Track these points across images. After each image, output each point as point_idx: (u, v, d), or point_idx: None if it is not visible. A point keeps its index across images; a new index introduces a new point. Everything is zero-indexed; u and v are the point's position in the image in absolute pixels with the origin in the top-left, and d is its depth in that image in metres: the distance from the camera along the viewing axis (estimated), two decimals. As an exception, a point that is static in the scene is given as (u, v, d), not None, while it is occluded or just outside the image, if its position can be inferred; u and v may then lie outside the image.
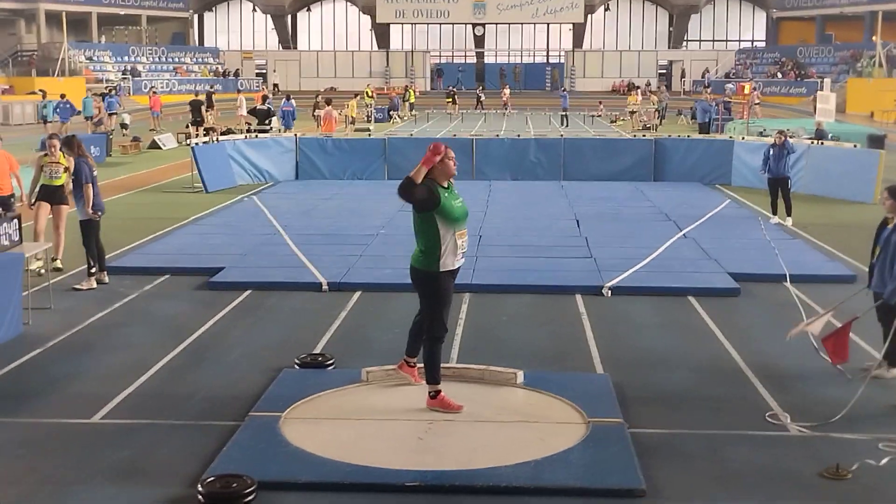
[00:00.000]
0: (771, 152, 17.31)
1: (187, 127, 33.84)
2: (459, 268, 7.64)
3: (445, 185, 7.48)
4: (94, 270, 12.18)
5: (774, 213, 17.42)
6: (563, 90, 47.04)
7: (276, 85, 65.08)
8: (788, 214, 17.15)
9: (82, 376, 8.79)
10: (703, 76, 64.35)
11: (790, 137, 17.93)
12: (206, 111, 35.07)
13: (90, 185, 12.17)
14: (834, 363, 8.46)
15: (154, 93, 41.46)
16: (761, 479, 6.61)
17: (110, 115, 35.57)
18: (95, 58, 58.14)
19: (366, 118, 44.42)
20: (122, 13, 62.60)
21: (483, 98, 51.54)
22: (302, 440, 7.05)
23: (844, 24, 63.15)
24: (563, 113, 43.00)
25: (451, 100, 50.62)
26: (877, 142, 26.47)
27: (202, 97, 36.12)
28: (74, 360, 9.28)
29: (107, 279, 12.34)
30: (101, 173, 23.72)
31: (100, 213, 12.30)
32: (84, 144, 13.32)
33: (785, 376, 8.81)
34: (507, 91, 53.29)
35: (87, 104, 35.05)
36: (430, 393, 7.67)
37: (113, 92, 41.91)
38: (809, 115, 39.28)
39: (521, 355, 9.36)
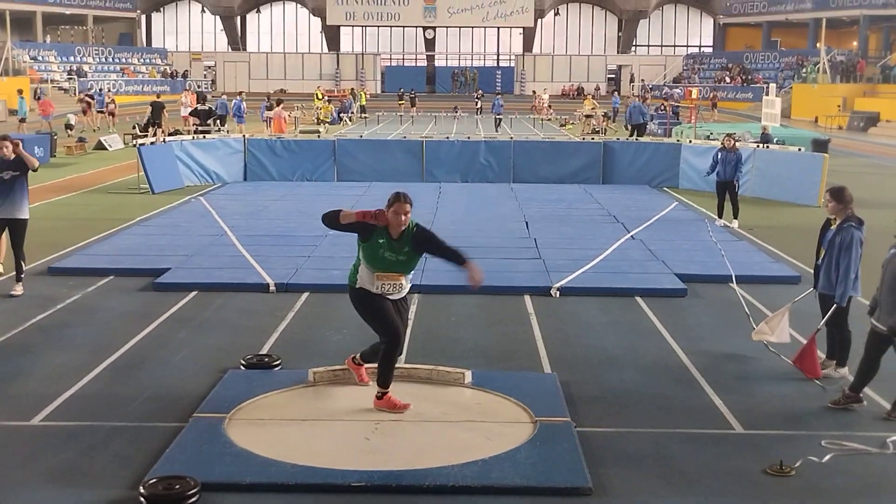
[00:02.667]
0: (720, 156, 17.49)
1: (134, 128, 33.46)
2: (387, 294, 7.57)
3: (395, 237, 7.43)
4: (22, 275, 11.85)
5: (720, 215, 17.59)
6: (497, 95, 46.98)
7: (213, 81, 64.88)
8: (735, 217, 17.34)
9: (23, 377, 8.62)
10: (642, 83, 64.93)
11: (736, 141, 18.13)
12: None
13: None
14: (812, 377, 8.60)
15: (42, 97, 41.40)
16: (707, 477, 6.65)
17: (99, 112, 39.44)
18: (40, 58, 57.28)
19: (315, 120, 44.23)
20: (68, 13, 61.73)
21: (480, 105, 49.54)
22: (247, 441, 6.96)
23: (790, 31, 64.18)
24: (498, 117, 42.73)
25: (401, 101, 50.65)
26: (821, 146, 26.92)
27: (164, 99, 36.01)
28: (14, 361, 9.10)
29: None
30: (46, 174, 23.49)
31: None
32: (27, 144, 13.02)
33: (731, 376, 8.89)
34: (545, 97, 50.79)
35: (21, 104, 34.90)
36: (377, 393, 7.63)
37: (100, 91, 44.98)
38: (756, 120, 39.79)
39: (469, 355, 9.35)
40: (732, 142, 17.66)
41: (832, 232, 8.75)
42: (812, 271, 9.33)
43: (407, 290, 7.76)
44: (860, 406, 7.95)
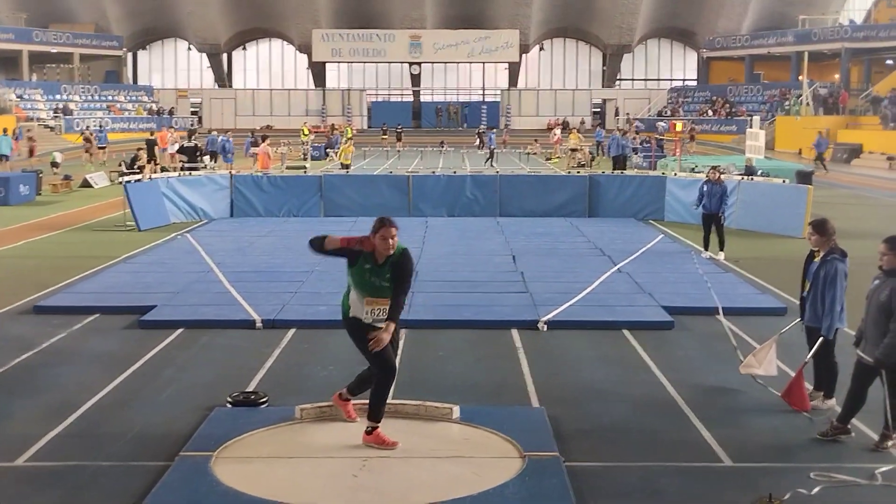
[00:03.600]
0: (705, 188, 17.59)
1: (120, 165, 33.47)
2: (373, 325, 7.50)
3: (380, 262, 7.45)
4: None
5: (706, 247, 17.65)
6: (491, 130, 46.96)
7: (199, 119, 65.19)
8: (721, 249, 17.40)
9: (7, 418, 8.54)
10: (626, 116, 65.37)
11: (721, 174, 18.25)
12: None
13: None
14: (802, 410, 8.60)
15: (21, 137, 41.75)
16: (696, 511, 6.62)
17: (100, 148, 40.53)
18: (26, 96, 57.28)
19: (302, 156, 44.32)
20: (55, 51, 61.82)
21: (483, 143, 46.15)
22: (234, 480, 6.91)
23: (772, 64, 64.72)
24: (491, 149, 42.66)
25: (384, 136, 50.82)
26: (805, 178, 27.09)
27: (163, 135, 36.13)
28: (-1, 401, 9.03)
29: None
30: (32, 212, 23.44)
31: None
32: (12, 182, 13.07)
33: (719, 408, 8.88)
34: (557, 131, 49.54)
35: (2, 142, 34.94)
36: (367, 428, 7.59)
37: (101, 128, 47.15)
38: (740, 152, 40.00)
39: (457, 390, 9.32)
40: (718, 174, 17.76)
41: (816, 264, 8.78)
42: (798, 303, 9.34)
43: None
44: (848, 438, 7.95)
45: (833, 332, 8.64)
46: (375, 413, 7.61)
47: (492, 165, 39.19)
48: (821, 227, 8.81)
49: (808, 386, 9.04)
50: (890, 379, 7.64)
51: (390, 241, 7.40)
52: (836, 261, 8.61)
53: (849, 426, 7.97)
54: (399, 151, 48.12)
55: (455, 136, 58.31)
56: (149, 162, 32.73)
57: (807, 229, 9.10)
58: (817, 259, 8.82)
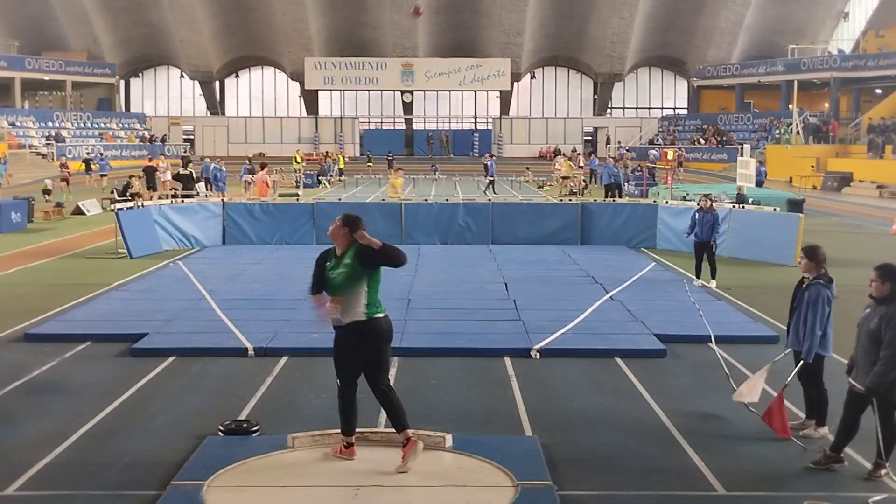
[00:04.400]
0: (697, 216, 17.65)
1: (112, 192, 33.49)
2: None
3: (338, 254, 7.88)
4: None
5: (698, 276, 17.69)
6: (491, 157, 47.07)
7: (191, 145, 65.53)
8: (713, 277, 17.44)
9: (-3, 447, 8.50)
10: (618, 145, 65.67)
11: (713, 202, 18.32)
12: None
13: None
14: (782, 436, 8.61)
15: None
16: (690, 540, 6.61)
17: (101, 175, 42.04)
18: (18, 123, 57.30)
19: (294, 183, 44.39)
20: (47, 79, 61.91)
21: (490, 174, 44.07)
22: (226, 509, 6.88)
23: (762, 93, 65.12)
24: (490, 179, 42.65)
25: (369, 163, 51.17)
26: (796, 206, 27.23)
27: (155, 163, 36.26)
28: (-11, 429, 8.98)
29: None
30: (23, 239, 23.40)
31: None
32: (4, 209, 13.10)
33: (712, 436, 8.87)
34: (560, 159, 46.93)
35: None
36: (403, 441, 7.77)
37: (101, 155, 48.99)
38: (731, 181, 40.19)
39: (449, 418, 9.30)
40: (709, 202, 17.82)
41: (803, 289, 8.85)
42: (786, 330, 9.36)
43: (350, 319, 7.66)
44: (841, 466, 7.94)
45: (812, 355, 8.66)
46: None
47: (494, 192, 39.28)
48: (811, 253, 8.87)
49: (801, 414, 9.05)
50: (881, 407, 7.64)
51: (330, 227, 7.85)
52: (819, 286, 8.68)
53: (842, 455, 7.97)
54: (380, 179, 48.23)
55: (446, 163, 58.42)
56: (148, 189, 33.00)
57: (798, 256, 9.15)
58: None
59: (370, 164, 53.11)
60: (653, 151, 54.57)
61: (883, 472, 7.73)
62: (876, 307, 7.73)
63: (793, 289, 9.16)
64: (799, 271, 9.17)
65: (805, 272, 8.92)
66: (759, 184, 39.24)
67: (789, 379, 8.82)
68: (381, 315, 7.71)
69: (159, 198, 30.26)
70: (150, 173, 34.33)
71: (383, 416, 9.31)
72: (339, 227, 7.78)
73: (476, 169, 53.58)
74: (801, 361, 8.72)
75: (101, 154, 49.26)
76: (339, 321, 7.67)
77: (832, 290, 8.73)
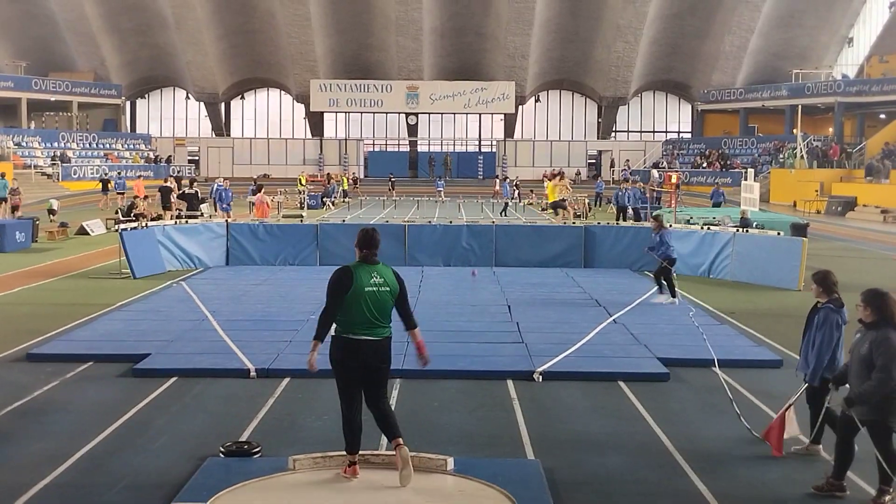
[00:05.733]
0: (655, 237, 18.20)
1: (117, 213, 33.55)
2: None
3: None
4: None
5: (673, 294, 17.79)
6: (506, 180, 47.42)
7: (196, 165, 65.91)
8: (672, 295, 17.68)
9: (-3, 466, 8.48)
10: (625, 168, 65.80)
11: (715, 226, 18.44)
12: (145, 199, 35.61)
13: None
14: (776, 454, 8.59)
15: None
16: (692, 565, 6.56)
17: (118, 193, 42.42)
18: (24, 143, 57.51)
19: (298, 204, 44.47)
20: (53, 99, 62.17)
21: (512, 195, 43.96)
22: (225, 531, 6.84)
23: (766, 117, 65.24)
24: (506, 201, 42.93)
25: (356, 187, 51.60)
26: (800, 230, 27.21)
27: (170, 182, 36.41)
28: (-10, 449, 8.95)
29: None
30: (27, 259, 23.42)
31: None
32: (9, 229, 13.18)
33: (715, 460, 8.83)
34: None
35: (1, 186, 35.26)
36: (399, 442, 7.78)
37: (119, 173, 49.68)
38: (735, 205, 40.19)
39: (451, 441, 9.27)
40: (656, 223, 18.36)
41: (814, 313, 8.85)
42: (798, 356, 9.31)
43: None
44: (844, 494, 7.88)
45: (817, 377, 8.62)
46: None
47: (505, 215, 39.54)
48: (821, 280, 8.88)
49: (804, 439, 9.01)
50: (874, 433, 7.61)
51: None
52: (829, 309, 8.67)
53: (844, 483, 7.91)
54: (395, 200, 48.38)
55: (449, 185, 58.51)
56: (164, 209, 33.20)
57: (802, 282, 9.16)
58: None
59: (356, 188, 53.08)
60: (655, 173, 54.62)
61: (888, 497, 7.68)
62: (866, 332, 7.72)
63: (798, 314, 9.15)
64: (804, 296, 9.15)
65: (817, 298, 8.91)
66: (717, 205, 39.78)
67: (794, 399, 8.76)
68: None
69: (171, 217, 30.40)
70: (165, 193, 34.52)
71: (384, 438, 9.31)
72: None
73: (481, 191, 53.75)
74: (805, 385, 8.69)
75: (119, 174, 49.78)
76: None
77: (843, 315, 8.71)
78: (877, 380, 7.46)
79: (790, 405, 8.79)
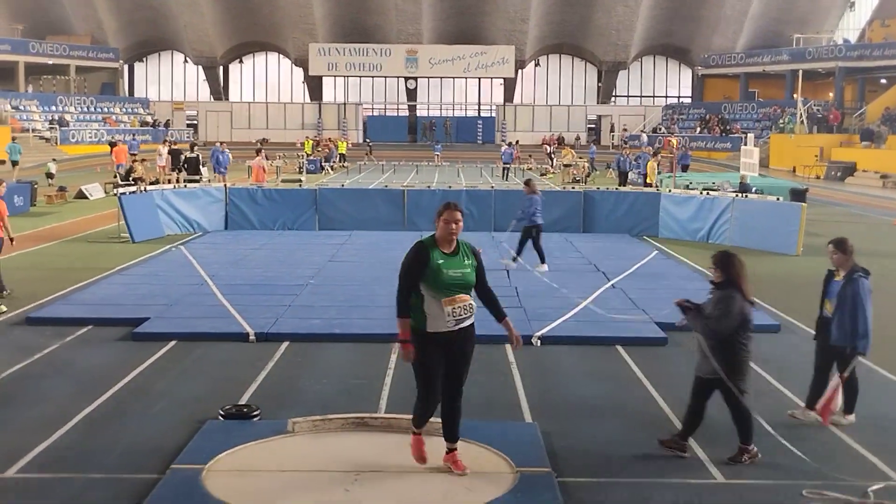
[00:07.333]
0: (526, 201, 18.05)
1: (115, 177, 33.50)
2: (455, 331, 7.16)
3: (448, 251, 7.13)
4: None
5: (543, 260, 17.71)
6: (509, 145, 47.35)
7: (195, 129, 65.75)
8: (542, 261, 17.60)
9: (-3, 429, 8.51)
10: (623, 132, 65.71)
11: (714, 191, 18.36)
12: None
13: None
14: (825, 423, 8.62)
15: None
16: (688, 527, 6.61)
17: (132, 154, 40.77)
18: (22, 107, 57.28)
19: (297, 169, 44.38)
20: (51, 63, 61.86)
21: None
22: (225, 493, 6.88)
23: (767, 82, 64.97)
24: (506, 166, 43.04)
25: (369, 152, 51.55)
26: (799, 195, 27.17)
27: (182, 146, 36.48)
28: (-10, 412, 8.99)
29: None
30: (26, 223, 23.39)
31: None
32: (7, 193, 13.30)
33: (711, 425, 8.84)
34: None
35: (13, 149, 35.45)
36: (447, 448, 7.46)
37: (134, 136, 49.80)
38: (734, 170, 40.14)
39: (450, 405, 9.27)
40: (528, 188, 18.23)
41: (839, 283, 8.74)
42: (815, 322, 9.10)
43: (473, 316, 7.28)
44: (685, 455, 7.98)
45: (868, 348, 8.63)
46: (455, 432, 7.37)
47: (506, 179, 39.68)
48: (842, 246, 8.87)
49: (800, 402, 9.03)
50: (722, 392, 7.86)
51: (453, 225, 7.05)
52: (861, 279, 8.61)
53: (686, 444, 8.05)
54: (383, 165, 48.56)
55: (448, 150, 58.36)
56: (173, 170, 33.50)
57: (801, 247, 9.11)
58: (838, 278, 8.81)
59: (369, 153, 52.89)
60: (644, 138, 54.58)
61: (746, 456, 7.83)
62: (714, 291, 7.99)
63: (797, 279, 9.14)
64: (803, 261, 9.12)
65: (836, 265, 8.88)
66: (686, 167, 39.90)
67: (846, 374, 8.63)
68: None
69: (168, 181, 30.46)
70: (175, 155, 34.72)
71: (384, 401, 9.37)
72: (460, 219, 7.14)
73: (481, 156, 53.61)
74: (856, 356, 8.59)
75: (134, 136, 49.81)
76: (460, 321, 7.15)
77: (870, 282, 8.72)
78: (709, 326, 7.74)
79: (844, 380, 8.65)
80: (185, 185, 25.67)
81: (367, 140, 58.39)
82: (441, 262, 7.03)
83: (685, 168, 40.68)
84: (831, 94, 59.08)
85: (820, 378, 8.93)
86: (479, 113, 73.40)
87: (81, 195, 31.27)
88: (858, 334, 8.55)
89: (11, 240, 14.79)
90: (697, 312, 7.98)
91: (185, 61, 72.78)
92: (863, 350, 8.61)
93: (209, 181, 30.73)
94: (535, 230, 17.78)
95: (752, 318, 7.97)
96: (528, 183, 18.62)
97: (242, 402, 9.29)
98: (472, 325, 7.32)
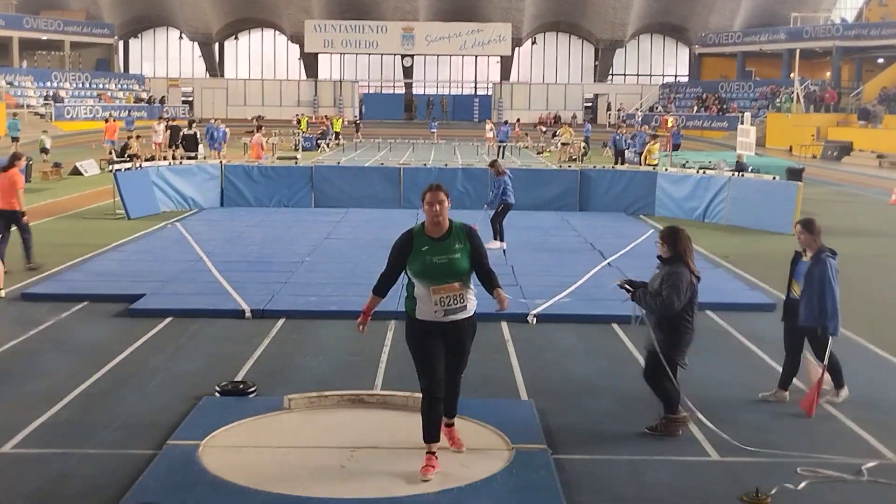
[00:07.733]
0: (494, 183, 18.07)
1: (110, 153, 33.38)
2: (447, 323, 6.90)
3: (435, 237, 6.87)
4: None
5: (498, 238, 17.66)
6: (505, 122, 47.24)
7: (190, 106, 65.62)
8: (500, 239, 17.57)
9: (-6, 405, 8.52)
10: (619, 111, 65.62)
11: (710, 170, 18.33)
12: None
13: None
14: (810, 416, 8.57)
15: None
16: (683, 503, 6.64)
17: (129, 131, 40.95)
18: (16, 83, 57.03)
19: (293, 146, 44.27)
20: (45, 38, 61.54)
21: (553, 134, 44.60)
22: (221, 469, 6.90)
23: (764, 61, 64.85)
24: (501, 144, 42.94)
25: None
26: (795, 174, 27.17)
27: (180, 122, 36.45)
28: (-14, 388, 8.99)
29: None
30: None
31: None
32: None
33: (706, 402, 8.87)
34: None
35: (13, 125, 35.63)
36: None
37: (129, 113, 49.94)
38: (731, 149, 40.12)
39: (445, 382, 9.29)
40: (494, 169, 18.16)
41: (806, 264, 8.74)
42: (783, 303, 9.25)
43: (471, 310, 7.02)
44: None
45: (839, 329, 8.63)
46: (425, 435, 6.99)
47: (502, 157, 39.48)
48: (809, 226, 8.83)
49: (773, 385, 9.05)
50: (653, 367, 8.06)
51: (437, 206, 6.79)
52: (828, 259, 8.60)
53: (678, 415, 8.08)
54: (378, 143, 48.35)
55: (445, 128, 58.23)
56: (171, 146, 34.07)
57: (796, 227, 9.06)
58: (806, 258, 8.81)
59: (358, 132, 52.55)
60: (639, 115, 54.46)
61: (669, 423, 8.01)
62: (662, 267, 8.20)
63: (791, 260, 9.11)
64: (797, 243, 9.11)
65: (804, 245, 8.87)
66: (677, 146, 40.31)
67: (826, 361, 8.63)
68: None
69: (164, 158, 30.45)
70: (175, 132, 34.76)
71: (380, 378, 9.38)
72: (446, 202, 6.88)
73: (477, 134, 53.48)
74: (829, 338, 8.58)
75: (130, 113, 49.92)
76: (462, 312, 6.92)
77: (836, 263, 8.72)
78: (658, 302, 7.86)
79: (825, 368, 8.66)
80: (181, 162, 25.60)
81: (356, 117, 58.11)
82: (425, 248, 6.80)
83: (676, 147, 40.64)
84: (828, 74, 58.99)
85: (791, 360, 8.97)
86: (475, 91, 73.20)
87: (76, 171, 31.18)
88: (827, 315, 8.54)
89: (23, 214, 14.80)
90: (644, 290, 8.06)
91: (181, 38, 72.47)
92: (834, 331, 8.59)
93: (205, 158, 30.65)
94: (503, 208, 17.72)
95: (698, 292, 8.11)
96: (493, 164, 18.54)
97: (238, 378, 9.31)
98: (469, 319, 7.04)
